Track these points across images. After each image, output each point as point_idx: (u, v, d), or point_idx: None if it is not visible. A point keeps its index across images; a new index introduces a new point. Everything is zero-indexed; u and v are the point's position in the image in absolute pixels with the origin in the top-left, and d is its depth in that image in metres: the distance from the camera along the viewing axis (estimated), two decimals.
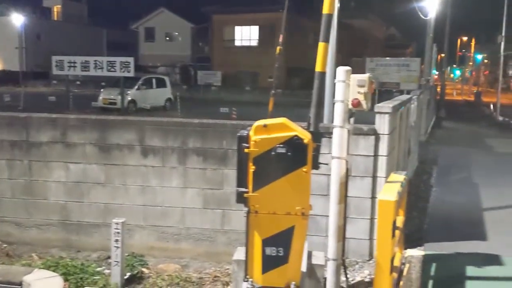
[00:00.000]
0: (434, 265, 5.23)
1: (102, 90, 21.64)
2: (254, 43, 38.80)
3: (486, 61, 76.68)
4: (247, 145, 3.27)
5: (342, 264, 4.36)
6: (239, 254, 4.29)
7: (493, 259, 5.36)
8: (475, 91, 43.69)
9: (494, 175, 10.53)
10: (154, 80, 23.28)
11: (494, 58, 52.25)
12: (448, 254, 5.53)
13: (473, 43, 73.53)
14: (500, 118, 24.82)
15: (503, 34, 26.23)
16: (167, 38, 48.53)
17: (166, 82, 23.71)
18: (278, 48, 7.92)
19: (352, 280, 4.83)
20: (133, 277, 5.31)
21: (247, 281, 3.41)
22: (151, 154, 5.87)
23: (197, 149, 5.78)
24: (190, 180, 5.81)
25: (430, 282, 4.79)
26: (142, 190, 5.93)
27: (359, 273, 5.06)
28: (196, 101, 25.58)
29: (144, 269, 5.54)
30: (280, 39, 7.72)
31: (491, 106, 28.72)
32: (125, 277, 5.17)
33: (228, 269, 5.30)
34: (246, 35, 39.18)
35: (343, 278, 4.41)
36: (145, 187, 5.92)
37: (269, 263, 3.34)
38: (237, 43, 39.59)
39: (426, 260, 5.30)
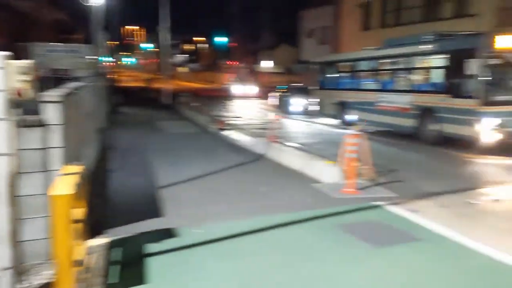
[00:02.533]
0: (119, 249, 5.33)
1: None
2: None
3: (157, 49, 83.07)
4: None
5: (17, 271, 3.95)
6: None
7: (171, 232, 5.87)
8: (147, 78, 46.68)
9: (167, 154, 11.58)
10: None
11: (162, 47, 57.03)
12: (131, 236, 5.75)
13: (143, 32, 78.18)
14: (167, 102, 27.51)
15: (166, 25, 28.81)
16: None
17: None
18: None
19: (29, 285, 4.44)
20: None
21: None
22: None
23: None
24: None
25: (116, 267, 4.86)
26: None
27: (39, 276, 4.69)
28: None
29: None
30: None
31: (161, 92, 31.44)
32: None
33: None
34: None
35: (20, 286, 3.99)
36: None
37: None
38: None
39: (111, 246, 5.36)
